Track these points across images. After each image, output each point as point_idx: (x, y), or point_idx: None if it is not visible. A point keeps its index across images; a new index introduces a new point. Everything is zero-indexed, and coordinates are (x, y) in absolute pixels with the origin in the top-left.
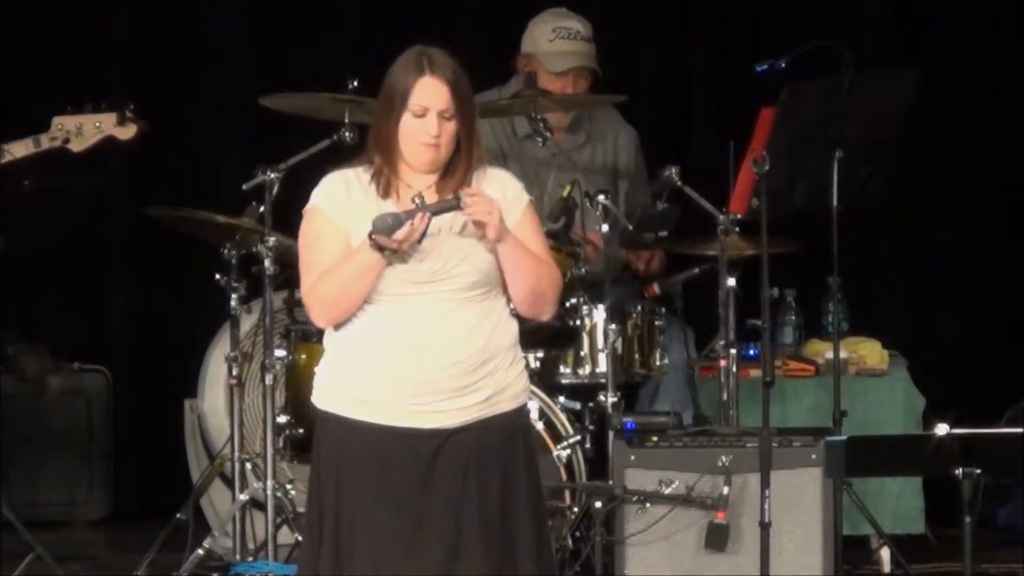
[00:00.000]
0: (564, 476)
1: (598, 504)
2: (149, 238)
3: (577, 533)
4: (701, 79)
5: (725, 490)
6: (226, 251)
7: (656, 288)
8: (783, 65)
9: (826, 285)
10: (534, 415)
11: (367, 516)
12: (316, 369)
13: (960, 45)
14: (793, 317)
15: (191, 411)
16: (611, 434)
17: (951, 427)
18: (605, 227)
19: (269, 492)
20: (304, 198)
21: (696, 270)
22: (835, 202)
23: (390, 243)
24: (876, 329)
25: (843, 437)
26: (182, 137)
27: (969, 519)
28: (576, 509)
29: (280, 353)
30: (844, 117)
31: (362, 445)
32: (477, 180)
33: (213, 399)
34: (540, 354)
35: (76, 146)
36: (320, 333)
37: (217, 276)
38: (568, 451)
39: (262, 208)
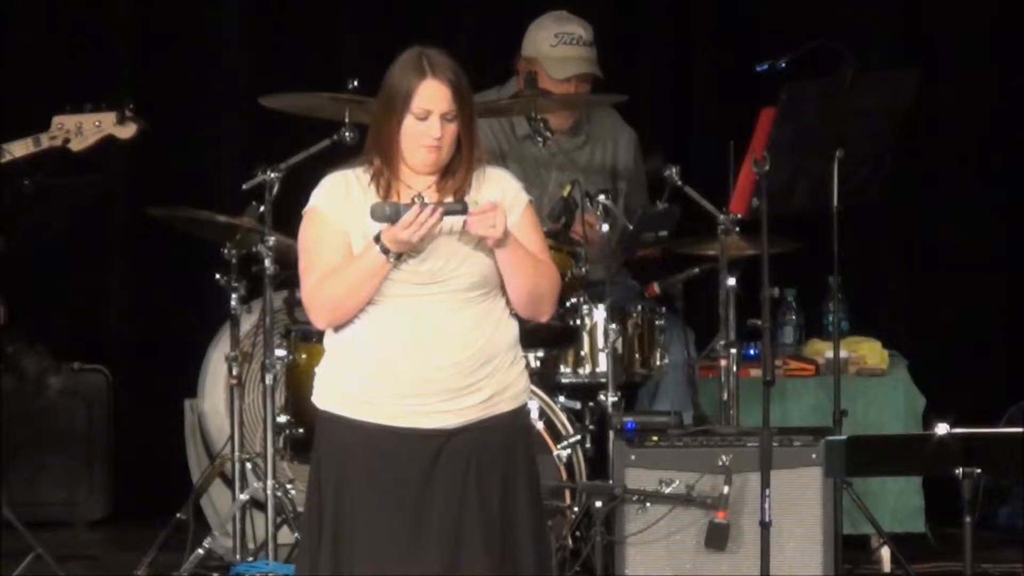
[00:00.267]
0: (564, 476)
1: (598, 504)
2: (149, 238)
3: (577, 533)
4: (701, 79)
5: (725, 490)
6: (226, 251)
7: (656, 288)
8: (783, 65)
9: (826, 285)
10: (534, 415)
11: (367, 516)
12: (316, 369)
13: (960, 45)
14: (793, 317)
15: (191, 411)
16: (611, 434)
17: (951, 427)
18: (605, 227)
19: (269, 492)
20: (304, 198)
21: (696, 270)
22: (835, 202)
23: (397, 231)
24: (876, 329)
25: (843, 437)
26: (182, 137)
27: (969, 519)
28: (576, 509)
29: (280, 353)
30: (844, 117)
31: (362, 445)
32: (476, 180)
33: (213, 399)
34: (540, 354)
35: (76, 145)
36: (320, 333)
37: (217, 276)
38: (568, 451)
39: (262, 208)
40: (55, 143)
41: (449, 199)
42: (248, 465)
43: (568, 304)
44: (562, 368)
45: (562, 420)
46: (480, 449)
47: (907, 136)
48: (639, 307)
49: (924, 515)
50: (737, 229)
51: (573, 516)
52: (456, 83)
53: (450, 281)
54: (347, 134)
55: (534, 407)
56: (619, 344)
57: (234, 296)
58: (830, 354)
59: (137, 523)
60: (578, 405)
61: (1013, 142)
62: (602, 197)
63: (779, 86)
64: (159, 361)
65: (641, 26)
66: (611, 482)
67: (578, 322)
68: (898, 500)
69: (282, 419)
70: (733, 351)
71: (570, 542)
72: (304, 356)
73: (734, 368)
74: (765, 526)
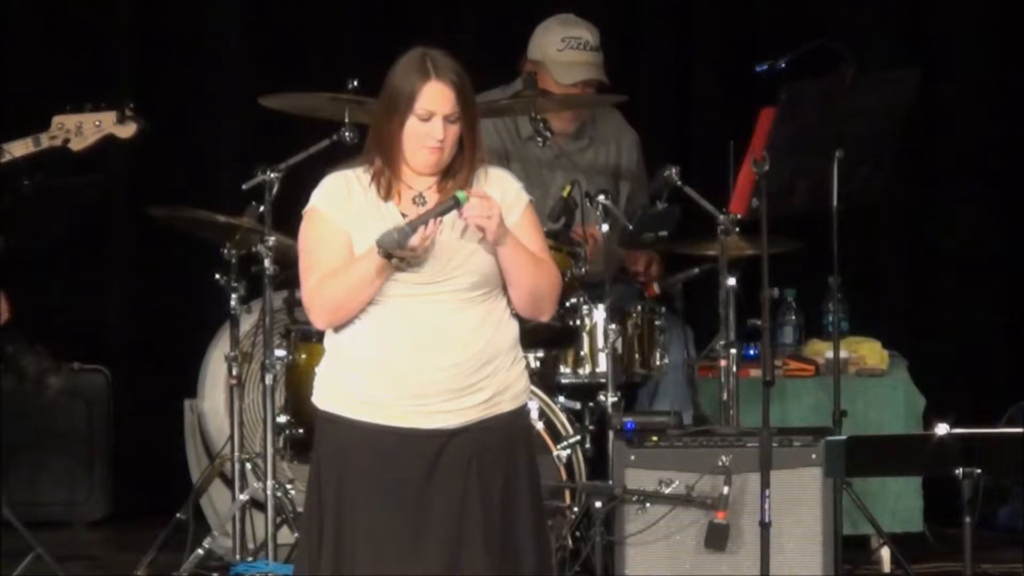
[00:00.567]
0: (564, 476)
1: (598, 504)
2: (149, 238)
3: (577, 533)
4: (701, 79)
5: (725, 490)
6: (226, 251)
7: (656, 288)
8: (783, 65)
9: (826, 285)
10: (534, 415)
11: (368, 517)
12: (317, 369)
13: (960, 45)
14: (793, 317)
15: (191, 411)
16: (611, 434)
17: (951, 427)
18: (605, 227)
19: (269, 492)
20: (304, 198)
21: (696, 270)
22: (835, 202)
23: (406, 253)
24: (876, 329)
25: (843, 437)
26: (182, 137)
27: (969, 519)
28: (576, 509)
29: (280, 353)
30: (844, 117)
31: (363, 446)
32: (478, 181)
33: (213, 399)
34: (540, 354)
35: (76, 145)
36: (320, 333)
37: (217, 276)
38: (568, 451)
39: (262, 208)
40: (55, 143)
41: (449, 198)
42: (248, 465)
43: (568, 304)
44: (562, 368)
45: (562, 420)
46: (481, 449)
47: (907, 136)
48: (639, 307)
49: (924, 515)
50: (737, 229)
51: (573, 516)
52: (459, 85)
53: (451, 281)
54: (347, 134)
55: (534, 407)
56: (619, 344)
57: (234, 296)
58: (830, 354)
59: (137, 523)
60: (578, 405)
61: (1013, 142)
62: (602, 197)
63: (779, 86)
64: (159, 361)
65: (641, 26)
66: (611, 482)
67: (578, 322)
68: (898, 500)
69: (282, 419)
70: (733, 351)
71: (570, 542)
72: (304, 356)
73: (734, 368)
74: (765, 526)
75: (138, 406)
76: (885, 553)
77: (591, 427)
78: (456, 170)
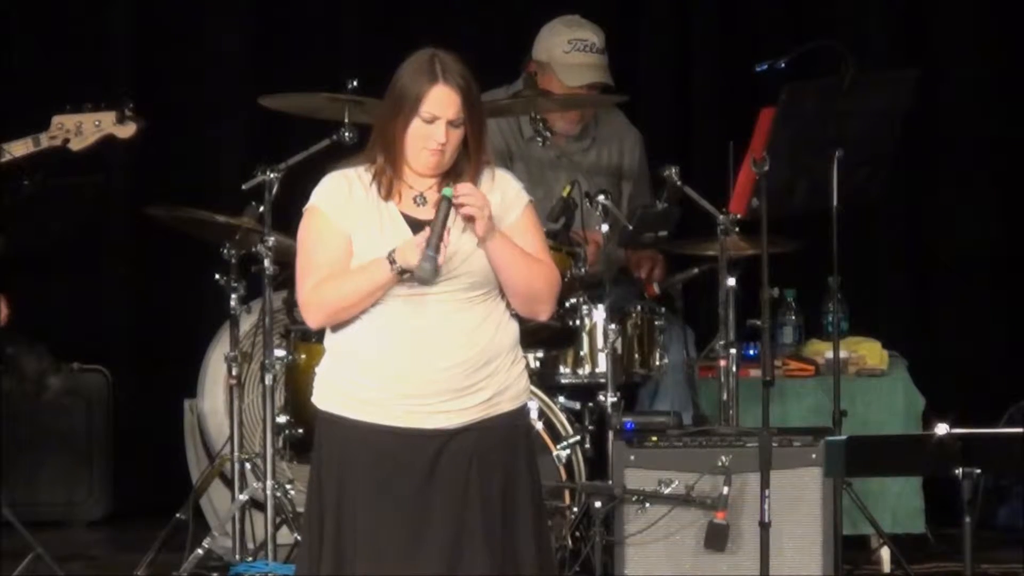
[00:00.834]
0: (564, 476)
1: (598, 504)
2: (149, 238)
3: (577, 533)
4: (701, 79)
5: (725, 490)
6: (226, 251)
7: (656, 288)
8: (783, 65)
9: (826, 285)
10: (534, 415)
11: (369, 517)
12: (317, 369)
13: (960, 45)
14: (793, 317)
15: (191, 411)
16: (611, 434)
17: (951, 427)
18: (605, 227)
19: (269, 492)
20: (304, 198)
21: (696, 270)
22: (835, 202)
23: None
24: (876, 329)
25: (843, 437)
26: (182, 137)
27: (969, 519)
28: (576, 509)
29: (280, 353)
30: (844, 117)
31: (363, 446)
32: (484, 182)
33: (213, 399)
34: (540, 354)
35: (76, 145)
36: (320, 333)
37: (217, 276)
38: (568, 451)
39: (262, 208)
40: (55, 143)
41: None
42: (248, 465)
43: (568, 304)
44: (562, 368)
45: (562, 420)
46: (481, 449)
47: (907, 136)
48: (638, 307)
49: (924, 516)
50: (737, 229)
51: (573, 516)
52: (466, 89)
53: (451, 281)
54: (346, 134)
55: (534, 407)
56: (619, 344)
57: (234, 296)
58: (830, 354)
59: (137, 523)
60: (577, 405)
61: (1013, 142)
62: (601, 197)
63: (779, 86)
64: (159, 361)
65: (641, 26)
66: (611, 482)
67: (578, 322)
68: (898, 500)
69: (282, 419)
70: (733, 351)
71: (570, 542)
72: (304, 356)
73: (734, 368)
74: (765, 526)
75: (138, 406)
76: (885, 553)
77: (591, 427)
78: (460, 172)
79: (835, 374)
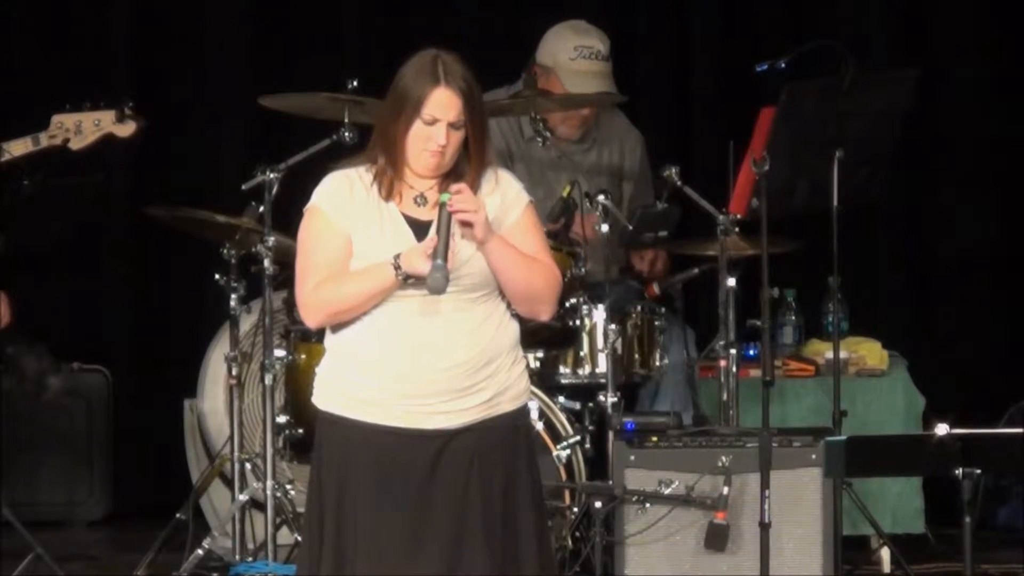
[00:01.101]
0: (564, 476)
1: (598, 504)
2: (149, 238)
3: (577, 533)
4: (701, 79)
5: (725, 490)
6: (226, 251)
7: (656, 288)
8: (783, 65)
9: (826, 285)
10: (534, 415)
11: (369, 517)
12: (317, 369)
13: (960, 45)
14: (793, 317)
15: (191, 411)
16: (611, 434)
17: (951, 427)
18: (605, 227)
19: (269, 492)
20: (304, 198)
21: (696, 270)
22: (835, 202)
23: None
24: (876, 329)
25: (843, 437)
26: (182, 137)
27: (969, 519)
28: (576, 509)
29: (280, 353)
30: (844, 117)
31: (364, 446)
32: (487, 183)
33: (213, 399)
34: (540, 354)
35: (75, 144)
36: (320, 333)
37: (217, 276)
38: (568, 451)
39: (262, 208)
40: (54, 142)
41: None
42: (248, 465)
43: (568, 304)
44: (562, 368)
45: (562, 420)
46: (482, 449)
47: (907, 136)
48: (639, 307)
49: (924, 516)
50: (737, 229)
51: (573, 516)
52: (468, 92)
53: (452, 282)
54: (346, 134)
55: (534, 407)
56: (619, 344)
57: (234, 296)
58: (830, 354)
59: (137, 523)
60: (578, 405)
61: (1013, 142)
62: (601, 197)
63: (779, 86)
64: (159, 361)
65: (641, 26)
66: (611, 482)
67: (578, 323)
68: (898, 501)
69: (282, 419)
70: (733, 351)
71: (570, 542)
72: (304, 356)
73: (734, 368)
74: (765, 527)
75: (138, 406)
76: (885, 553)
77: (591, 427)
78: (461, 173)
79: (835, 374)
